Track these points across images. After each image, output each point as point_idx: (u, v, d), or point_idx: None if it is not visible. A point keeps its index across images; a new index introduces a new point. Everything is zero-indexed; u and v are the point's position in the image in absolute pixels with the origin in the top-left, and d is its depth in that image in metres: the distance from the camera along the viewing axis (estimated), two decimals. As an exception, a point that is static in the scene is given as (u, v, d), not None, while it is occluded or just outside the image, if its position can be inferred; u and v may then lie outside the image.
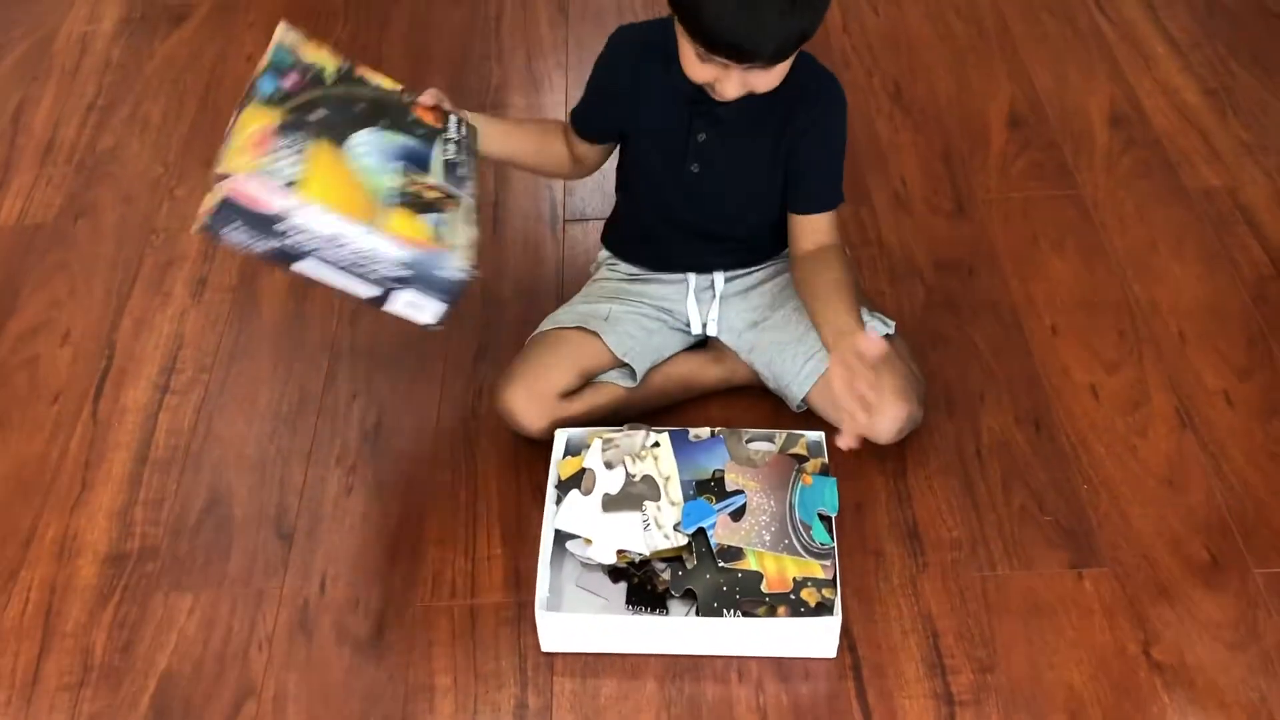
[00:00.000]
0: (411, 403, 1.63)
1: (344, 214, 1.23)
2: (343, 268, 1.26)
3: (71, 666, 1.35)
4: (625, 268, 1.62)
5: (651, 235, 1.58)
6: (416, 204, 1.31)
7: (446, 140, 1.40)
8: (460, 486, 1.52)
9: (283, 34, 1.39)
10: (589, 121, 1.54)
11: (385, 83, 1.42)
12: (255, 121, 1.26)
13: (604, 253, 1.66)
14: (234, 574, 1.44)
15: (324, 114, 1.31)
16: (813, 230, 1.50)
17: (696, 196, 1.50)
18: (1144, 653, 1.33)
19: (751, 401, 1.59)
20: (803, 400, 1.53)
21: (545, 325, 1.56)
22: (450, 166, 1.38)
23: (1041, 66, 2.12)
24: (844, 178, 1.51)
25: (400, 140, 1.35)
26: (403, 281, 1.27)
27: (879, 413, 1.45)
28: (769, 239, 1.57)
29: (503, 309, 1.75)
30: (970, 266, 1.78)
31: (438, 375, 1.66)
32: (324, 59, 1.39)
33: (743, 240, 1.58)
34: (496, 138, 1.51)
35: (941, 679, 1.31)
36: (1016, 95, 2.07)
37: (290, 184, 1.21)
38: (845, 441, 1.32)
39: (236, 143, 1.24)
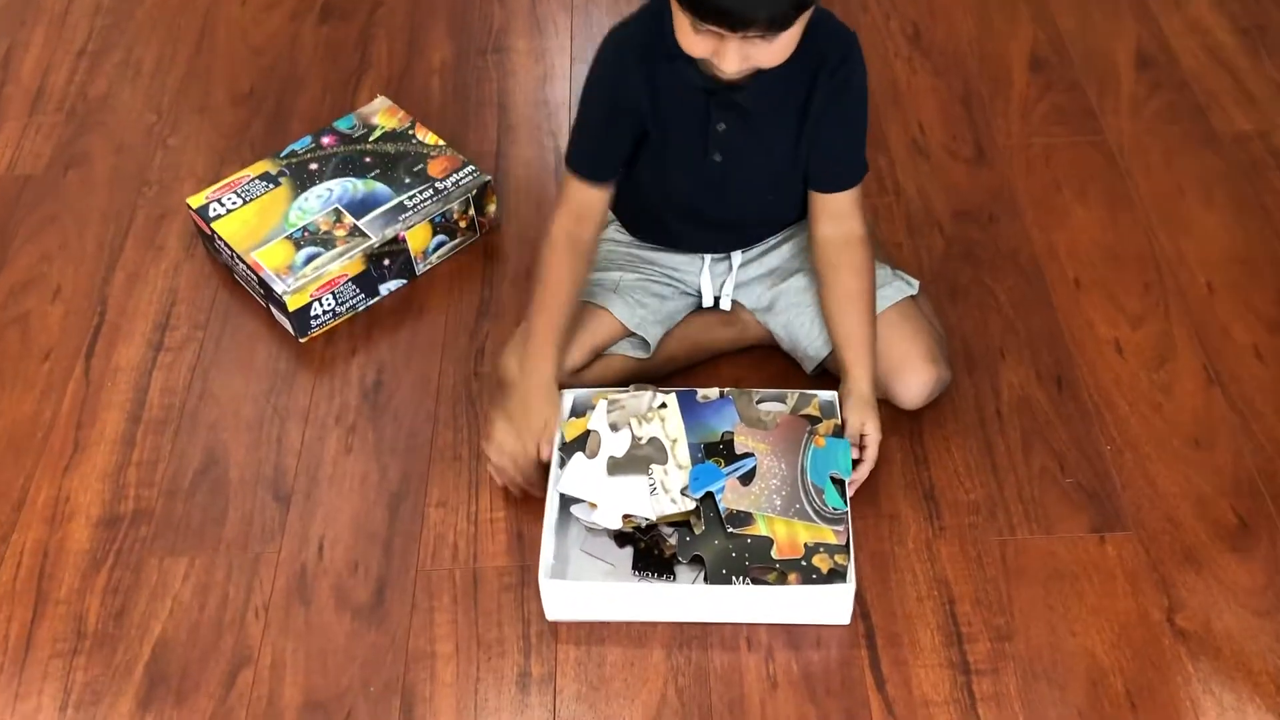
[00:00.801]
0: (412, 361, 1.58)
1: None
2: None
3: (65, 633, 1.32)
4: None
5: (665, 221, 1.48)
6: (316, 240, 1.60)
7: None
8: (462, 447, 1.48)
9: (376, 103, 1.76)
10: (605, 156, 1.38)
11: (430, 138, 1.72)
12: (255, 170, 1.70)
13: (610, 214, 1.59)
14: (230, 537, 1.40)
15: (315, 167, 1.68)
16: (835, 210, 1.40)
17: (718, 185, 1.40)
18: (1168, 620, 1.28)
19: (762, 359, 1.54)
20: (819, 364, 1.47)
21: None
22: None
23: (1065, 6, 2.03)
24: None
25: (373, 188, 1.63)
26: None
27: (906, 377, 1.40)
28: (791, 213, 1.49)
29: (505, 263, 1.69)
30: (990, 215, 1.71)
31: (439, 332, 1.61)
32: (390, 121, 1.73)
33: (763, 221, 1.50)
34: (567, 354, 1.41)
35: (958, 647, 1.27)
36: (1039, 36, 1.98)
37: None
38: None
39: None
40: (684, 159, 1.38)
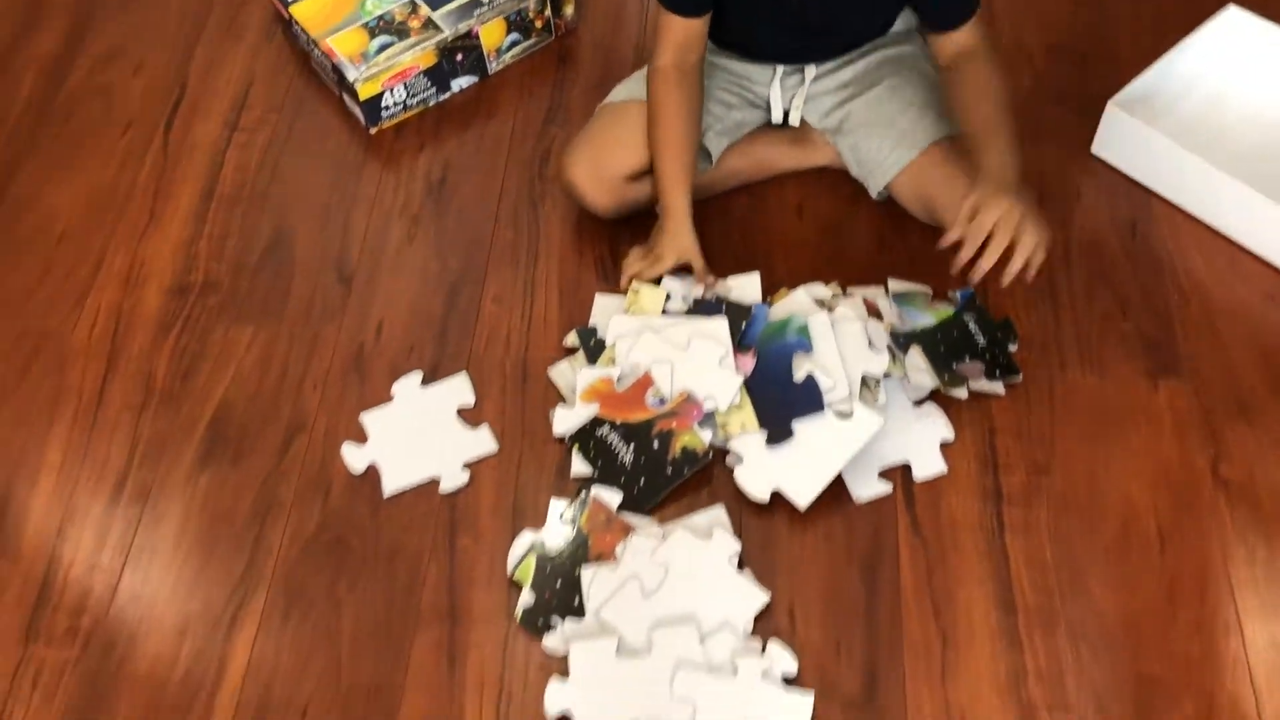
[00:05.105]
0: (478, 160, 1.58)
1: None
2: None
3: (134, 390, 1.38)
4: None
5: (746, 24, 1.43)
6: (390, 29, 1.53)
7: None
8: (521, 248, 1.49)
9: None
10: None
11: None
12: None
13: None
14: (293, 313, 1.44)
15: None
16: (954, 42, 1.35)
17: (801, 10, 1.36)
18: (1211, 468, 1.27)
19: (832, 183, 1.51)
20: (884, 188, 1.44)
21: (616, 94, 1.47)
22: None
23: None
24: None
25: None
26: None
27: (1019, 254, 1.34)
28: (878, 29, 1.44)
29: (578, 68, 1.67)
30: (1084, 54, 1.64)
31: (506, 134, 1.61)
32: None
33: (849, 32, 1.45)
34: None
35: (993, 475, 1.27)
36: None
37: None
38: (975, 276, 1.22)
39: None
40: None
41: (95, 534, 1.27)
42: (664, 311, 1.36)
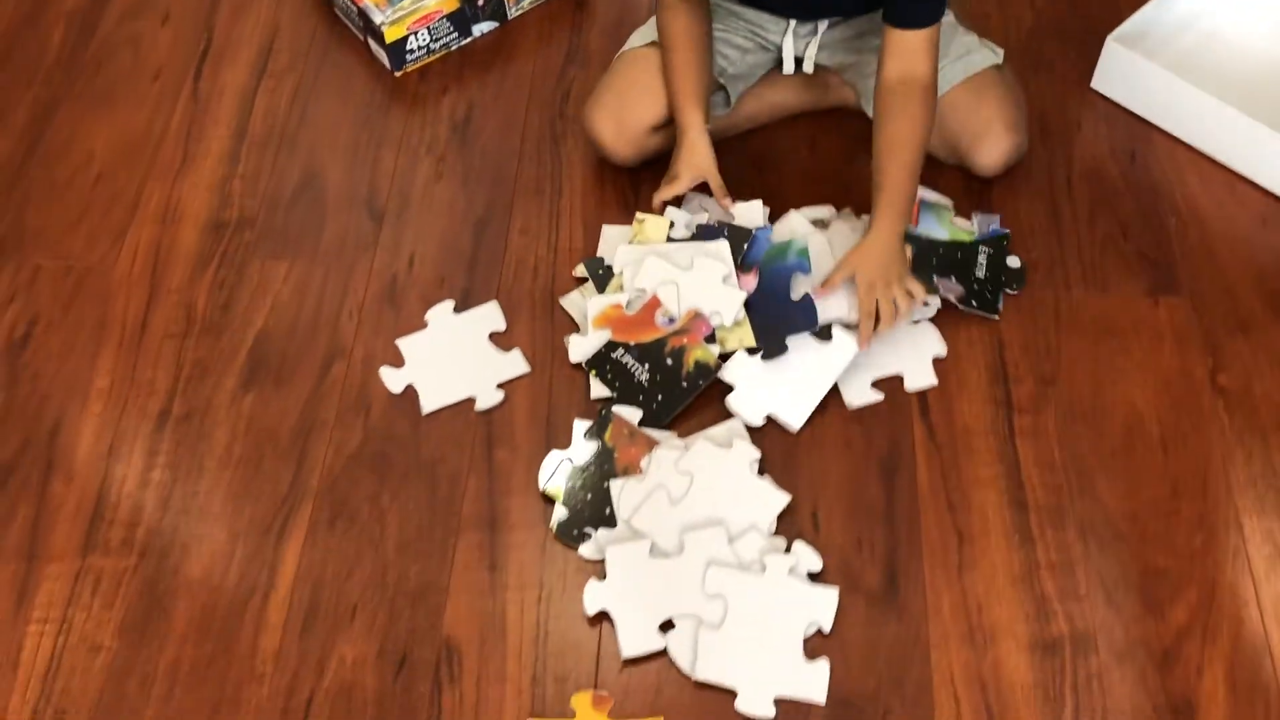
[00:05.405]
0: (501, 100, 1.64)
1: None
2: None
3: (176, 319, 1.44)
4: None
5: None
6: None
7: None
8: (545, 181, 1.55)
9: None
10: None
11: None
12: None
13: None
14: (327, 247, 1.50)
15: None
16: (905, 47, 1.33)
17: None
18: (1210, 378, 1.34)
19: (843, 121, 1.57)
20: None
21: (634, 41, 1.52)
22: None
23: None
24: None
25: None
26: None
27: (987, 144, 1.42)
28: None
29: (594, 13, 1.72)
30: (1083, -6, 1.70)
31: (527, 75, 1.66)
32: None
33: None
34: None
35: (1003, 386, 1.34)
36: None
37: None
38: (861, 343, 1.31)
39: None
40: None
41: (145, 452, 1.33)
42: (669, 239, 1.42)
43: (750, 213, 1.43)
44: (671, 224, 1.42)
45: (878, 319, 1.30)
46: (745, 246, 1.39)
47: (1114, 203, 1.48)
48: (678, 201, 1.44)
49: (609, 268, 1.41)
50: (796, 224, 1.43)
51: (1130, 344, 1.36)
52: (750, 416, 1.31)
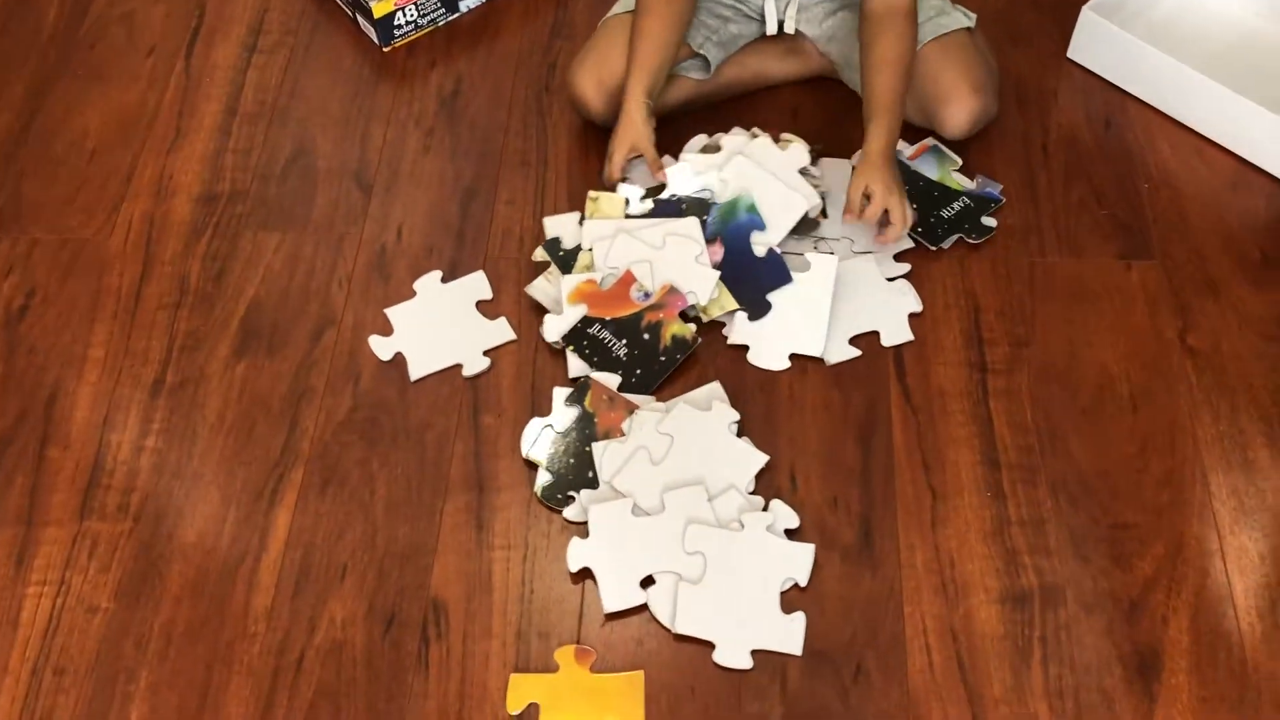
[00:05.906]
0: (488, 74, 1.67)
1: None
2: None
3: (170, 290, 1.47)
4: (703, -51, 1.59)
5: None
6: None
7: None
8: (531, 154, 1.58)
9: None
10: None
11: None
12: None
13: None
14: (317, 218, 1.53)
15: None
16: None
17: None
18: (1180, 338, 1.37)
19: (824, 91, 1.60)
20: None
21: (617, 8, 1.55)
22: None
23: None
24: None
25: None
26: None
27: (952, 106, 1.45)
28: None
29: (580, -14, 1.75)
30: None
31: (513, 49, 1.69)
32: None
33: None
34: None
35: (978, 349, 1.37)
36: None
37: None
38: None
39: None
40: None
41: (140, 420, 1.36)
42: (627, 216, 1.44)
43: (680, 175, 1.45)
44: (626, 201, 1.45)
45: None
46: (704, 220, 1.41)
47: (1089, 169, 1.51)
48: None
49: (569, 250, 1.43)
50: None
51: (1103, 306, 1.39)
52: (776, 364, 1.36)
